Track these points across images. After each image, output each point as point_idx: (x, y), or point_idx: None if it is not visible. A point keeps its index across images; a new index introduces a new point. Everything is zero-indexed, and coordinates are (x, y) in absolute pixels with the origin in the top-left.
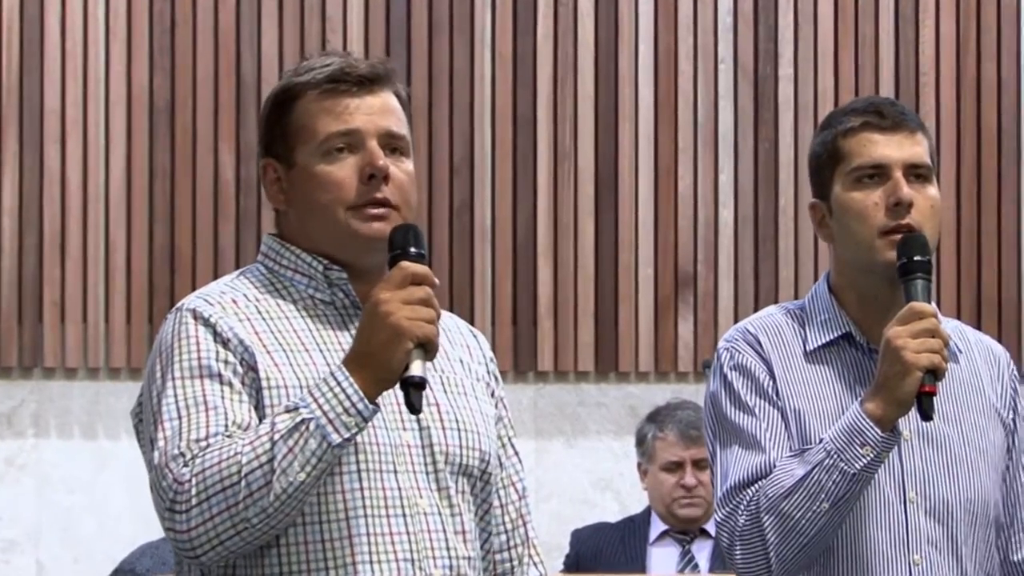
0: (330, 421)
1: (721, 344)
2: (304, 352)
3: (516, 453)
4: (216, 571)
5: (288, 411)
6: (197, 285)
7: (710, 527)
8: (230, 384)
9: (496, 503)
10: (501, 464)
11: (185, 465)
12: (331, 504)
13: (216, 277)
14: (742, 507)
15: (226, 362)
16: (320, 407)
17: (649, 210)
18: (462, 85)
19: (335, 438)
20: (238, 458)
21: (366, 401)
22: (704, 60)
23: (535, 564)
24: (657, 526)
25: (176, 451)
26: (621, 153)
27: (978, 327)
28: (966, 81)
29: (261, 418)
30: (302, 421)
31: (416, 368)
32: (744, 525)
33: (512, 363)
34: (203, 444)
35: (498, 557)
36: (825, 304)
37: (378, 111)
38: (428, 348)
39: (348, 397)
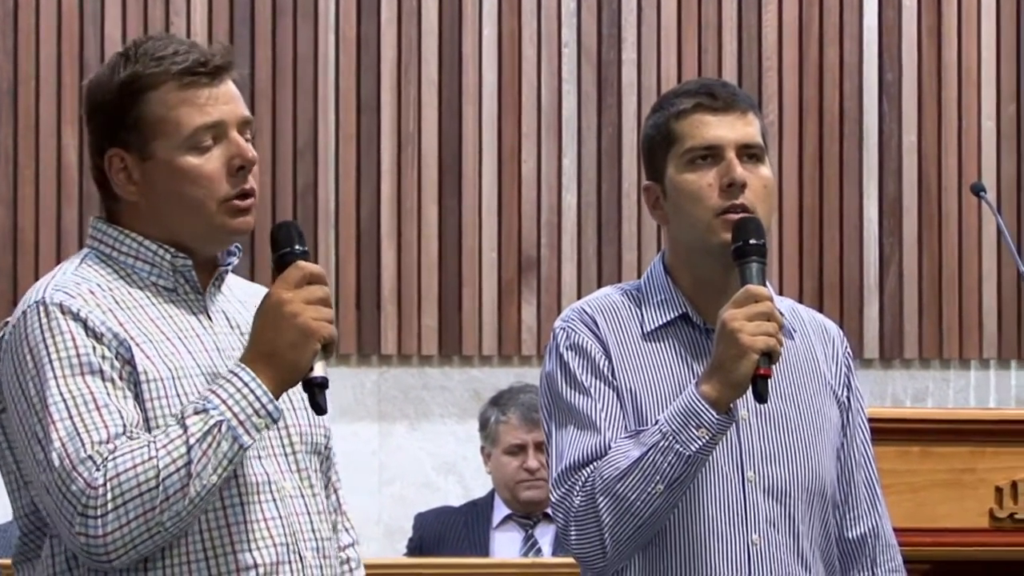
0: (241, 423)
1: (557, 324)
2: (167, 342)
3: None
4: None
5: (197, 413)
6: (40, 268)
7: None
8: (112, 380)
9: None
10: None
11: (97, 469)
12: None
13: (59, 260)
14: (577, 488)
15: (103, 357)
16: (230, 409)
17: (493, 194)
18: (306, 68)
19: (246, 440)
20: (154, 463)
21: (275, 402)
22: (548, 44)
23: (347, 530)
24: (500, 510)
25: (83, 454)
26: (465, 137)
27: (820, 309)
28: (808, 65)
29: (144, 413)
30: (215, 424)
31: (319, 368)
32: (579, 506)
33: (356, 346)
34: (110, 447)
35: None
36: (661, 285)
37: (233, 99)
38: (329, 348)
39: (258, 398)
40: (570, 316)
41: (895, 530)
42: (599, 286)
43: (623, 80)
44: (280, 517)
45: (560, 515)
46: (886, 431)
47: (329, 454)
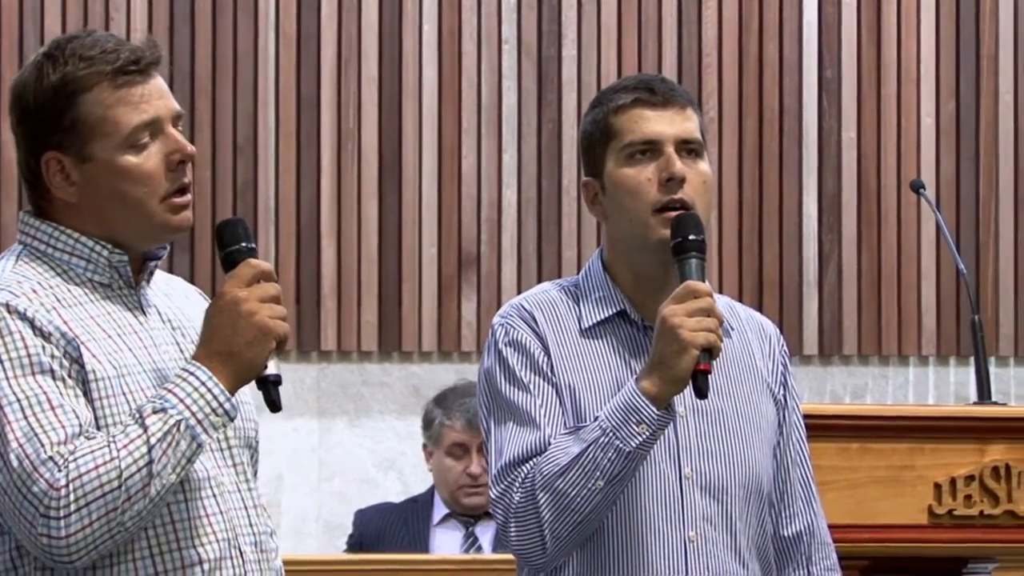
0: (199, 422)
1: (496, 320)
2: (109, 340)
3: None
4: (35, 562)
5: (156, 412)
6: None
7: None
8: (63, 380)
9: None
10: None
11: (59, 470)
12: None
13: None
14: (517, 484)
15: (53, 356)
16: (188, 407)
17: (432, 191)
18: (246, 65)
19: (204, 438)
20: (116, 463)
21: (231, 400)
22: (488, 41)
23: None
24: (440, 508)
25: (44, 455)
26: (405, 134)
27: (759, 306)
28: (748, 62)
29: (93, 411)
30: (175, 424)
31: (272, 366)
32: (519, 503)
33: (295, 342)
34: (70, 448)
35: None
36: (599, 281)
37: (164, 94)
38: (281, 345)
39: (215, 397)
40: (509, 312)
41: (835, 526)
42: (539, 282)
43: (563, 76)
44: (221, 512)
45: (500, 511)
46: (825, 428)
47: (257, 447)
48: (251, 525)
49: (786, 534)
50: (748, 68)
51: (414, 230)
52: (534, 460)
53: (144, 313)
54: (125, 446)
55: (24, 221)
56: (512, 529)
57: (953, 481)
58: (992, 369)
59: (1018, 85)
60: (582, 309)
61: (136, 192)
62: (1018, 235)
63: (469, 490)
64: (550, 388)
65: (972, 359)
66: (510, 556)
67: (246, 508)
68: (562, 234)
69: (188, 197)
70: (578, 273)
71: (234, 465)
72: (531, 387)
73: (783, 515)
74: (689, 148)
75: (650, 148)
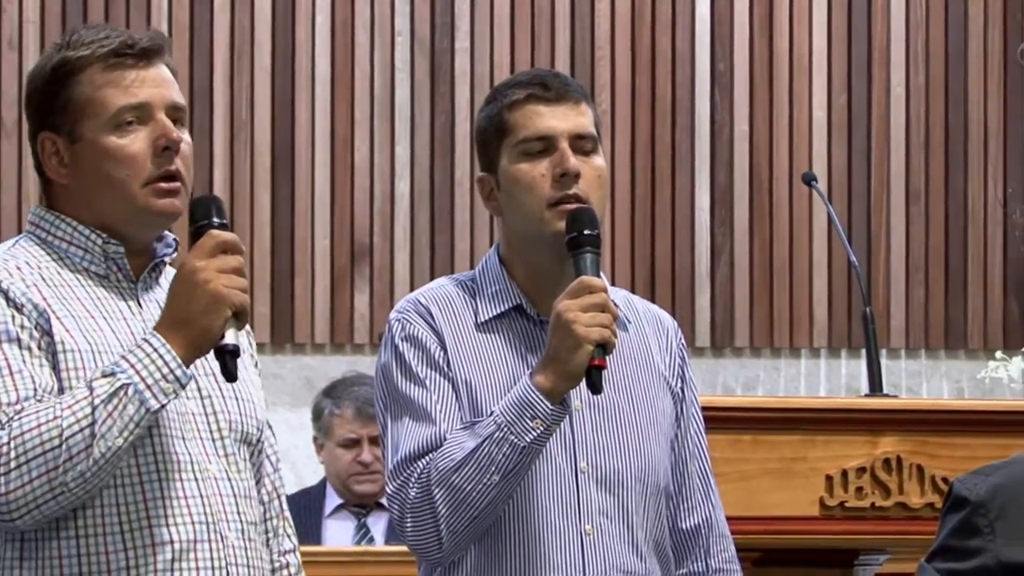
0: (148, 387)
1: (392, 315)
2: (91, 319)
3: (270, 426)
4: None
5: (105, 376)
6: None
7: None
8: (29, 349)
9: (260, 475)
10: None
11: (2, 428)
12: (126, 468)
13: None
14: (413, 479)
15: (22, 327)
16: (138, 372)
17: (325, 182)
18: None
19: (153, 404)
20: (58, 422)
21: (184, 368)
22: (381, 33)
23: (289, 536)
24: (333, 499)
25: None
26: (297, 125)
27: (652, 298)
28: (641, 55)
29: (60, 383)
30: (121, 387)
31: (230, 336)
32: (415, 498)
33: None
34: (17, 408)
35: None
36: (495, 276)
37: (162, 83)
38: (241, 316)
39: (167, 363)
40: (405, 307)
41: (727, 518)
42: (432, 275)
43: (456, 69)
44: (201, 496)
45: (396, 507)
46: (717, 420)
47: (262, 447)
48: (238, 512)
49: (684, 527)
50: (641, 61)
51: (307, 222)
52: (430, 455)
53: (140, 306)
54: (69, 406)
55: (32, 212)
56: (408, 525)
57: (845, 473)
58: (883, 361)
59: (909, 78)
60: (478, 304)
61: (119, 174)
62: (909, 227)
63: (360, 477)
64: (446, 383)
65: (864, 351)
66: (402, 547)
67: (234, 496)
68: (455, 226)
69: (175, 184)
70: (471, 265)
71: (226, 455)
72: (427, 382)
73: (681, 508)
74: (583, 143)
75: (544, 143)
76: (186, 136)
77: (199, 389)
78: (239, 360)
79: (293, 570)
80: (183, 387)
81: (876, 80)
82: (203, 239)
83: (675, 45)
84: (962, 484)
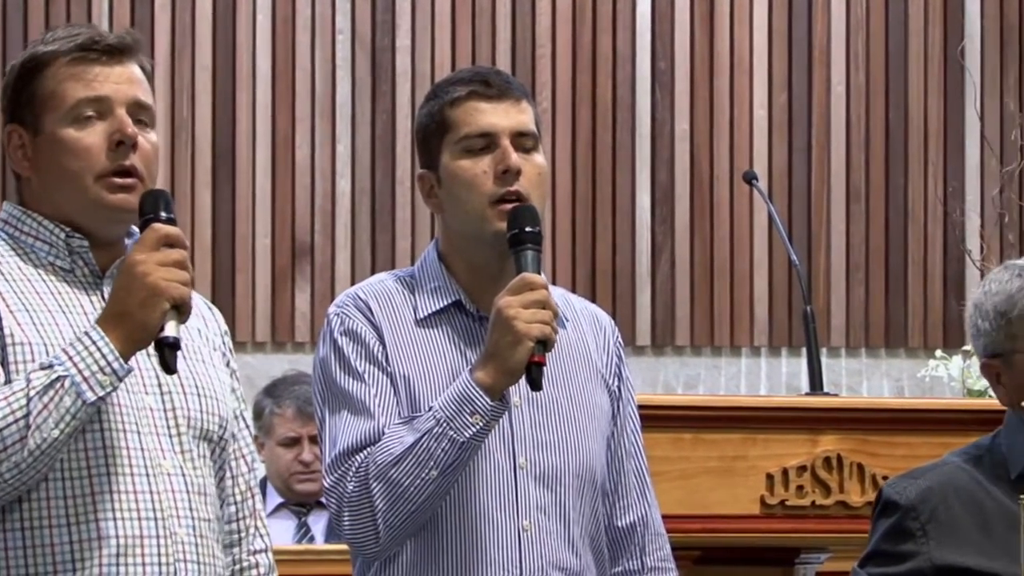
0: (85, 379)
1: (331, 310)
2: (47, 313)
3: (247, 426)
4: None
5: (43, 368)
6: None
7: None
8: None
9: (228, 473)
10: (234, 435)
11: None
12: (74, 462)
13: None
14: (351, 474)
15: None
16: (75, 365)
17: (266, 180)
18: None
19: (90, 396)
20: None
21: (121, 360)
22: (322, 31)
23: (261, 536)
24: (273, 498)
25: None
26: (238, 123)
27: (592, 296)
28: (581, 53)
29: (7, 376)
30: (57, 378)
31: (171, 329)
32: (352, 492)
33: None
34: None
35: (228, 527)
36: (435, 272)
37: (126, 80)
38: (182, 310)
39: (104, 356)
40: (344, 302)
41: (667, 516)
42: (373, 273)
43: (397, 67)
44: (150, 492)
45: (333, 501)
46: (658, 418)
47: (224, 444)
48: (191, 509)
49: (620, 524)
50: (581, 59)
51: (248, 220)
52: (368, 449)
53: (104, 300)
54: (5, 398)
55: (3, 209)
56: (345, 518)
57: (785, 471)
58: (824, 360)
59: (850, 77)
60: (417, 299)
61: (73, 166)
62: (850, 226)
63: (301, 476)
64: (385, 378)
65: (804, 350)
66: (343, 546)
67: (188, 493)
68: (396, 225)
69: (130, 180)
70: (412, 264)
71: (181, 452)
72: (366, 376)
73: (617, 506)
74: (524, 140)
75: (485, 141)
76: (150, 135)
77: (159, 384)
78: (203, 356)
79: (263, 570)
80: (120, 380)
81: (816, 79)
82: (145, 233)
83: (616, 44)
84: (892, 488)
